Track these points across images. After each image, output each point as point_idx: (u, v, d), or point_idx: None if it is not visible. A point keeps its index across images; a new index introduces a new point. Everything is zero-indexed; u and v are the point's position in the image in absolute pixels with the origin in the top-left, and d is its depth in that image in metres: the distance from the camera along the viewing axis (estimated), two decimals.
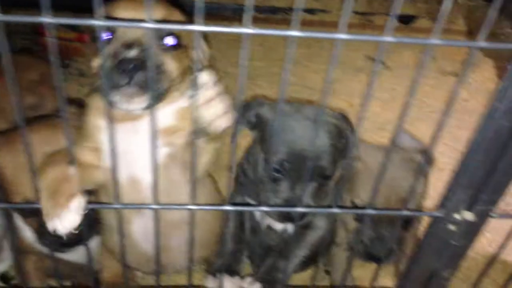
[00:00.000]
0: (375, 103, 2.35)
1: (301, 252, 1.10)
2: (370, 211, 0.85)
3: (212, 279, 1.01)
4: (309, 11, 2.97)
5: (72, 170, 0.88)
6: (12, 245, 1.22)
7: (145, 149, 0.80)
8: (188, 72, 1.00)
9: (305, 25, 0.61)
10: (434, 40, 0.67)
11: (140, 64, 0.83)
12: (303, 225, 1.15)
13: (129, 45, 0.86)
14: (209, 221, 1.18)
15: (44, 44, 2.55)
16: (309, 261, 1.05)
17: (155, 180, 0.77)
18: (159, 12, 0.94)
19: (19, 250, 1.17)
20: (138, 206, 1.01)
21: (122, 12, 0.92)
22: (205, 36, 1.11)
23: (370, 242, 1.08)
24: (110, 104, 0.86)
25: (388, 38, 0.64)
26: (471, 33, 2.94)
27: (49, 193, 0.86)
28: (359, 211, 1.05)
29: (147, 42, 0.83)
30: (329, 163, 0.99)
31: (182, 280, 1.28)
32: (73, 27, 2.63)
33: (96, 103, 1.03)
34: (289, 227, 1.17)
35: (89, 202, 0.91)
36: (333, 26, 1.11)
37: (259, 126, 1.09)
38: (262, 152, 1.06)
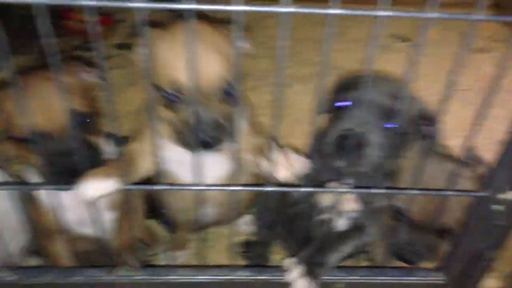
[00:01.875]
0: None
1: (346, 249, 1.09)
2: (414, 192, 0.84)
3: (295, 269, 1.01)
4: None
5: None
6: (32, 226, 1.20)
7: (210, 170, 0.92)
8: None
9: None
10: (478, 16, 0.64)
11: (217, 124, 0.93)
12: (357, 225, 1.16)
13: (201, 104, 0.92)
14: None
15: (68, 27, 2.51)
16: (350, 258, 1.04)
17: (197, 162, 0.83)
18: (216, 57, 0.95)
19: (46, 231, 1.15)
20: (182, 187, 1.08)
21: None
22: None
23: (403, 245, 1.06)
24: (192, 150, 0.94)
25: (433, 15, 0.61)
26: (498, 7, 2.84)
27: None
28: (406, 192, 1.00)
29: (214, 100, 0.94)
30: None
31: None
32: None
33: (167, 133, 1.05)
34: (341, 225, 1.17)
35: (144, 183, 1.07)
36: (365, 3, 1.10)
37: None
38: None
